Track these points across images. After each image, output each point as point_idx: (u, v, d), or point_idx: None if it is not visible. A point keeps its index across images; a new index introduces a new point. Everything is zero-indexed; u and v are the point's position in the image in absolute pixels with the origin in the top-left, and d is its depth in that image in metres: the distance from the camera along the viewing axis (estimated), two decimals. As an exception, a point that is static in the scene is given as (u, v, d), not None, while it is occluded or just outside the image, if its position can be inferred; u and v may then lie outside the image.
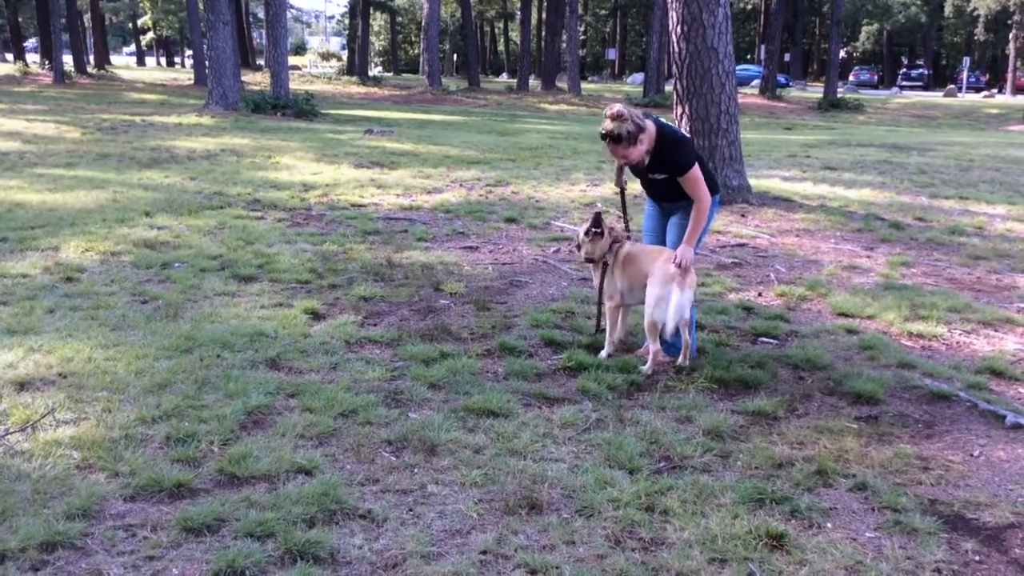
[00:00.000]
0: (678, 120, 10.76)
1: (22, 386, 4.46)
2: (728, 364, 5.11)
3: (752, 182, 11.20)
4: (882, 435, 4.29)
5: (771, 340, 5.72)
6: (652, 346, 5.02)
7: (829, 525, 3.44)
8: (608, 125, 4.85)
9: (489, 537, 3.26)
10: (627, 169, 5.27)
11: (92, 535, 3.17)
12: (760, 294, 6.84)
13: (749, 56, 57.83)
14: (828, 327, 6.01)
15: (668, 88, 36.98)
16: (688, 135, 9.34)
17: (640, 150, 4.93)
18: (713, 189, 5.09)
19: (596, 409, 4.51)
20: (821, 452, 4.05)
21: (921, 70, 65.33)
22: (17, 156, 13.42)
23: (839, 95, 40.80)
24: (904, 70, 66.74)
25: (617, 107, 4.89)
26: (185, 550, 3.10)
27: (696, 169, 4.95)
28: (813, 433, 4.27)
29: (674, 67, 10.60)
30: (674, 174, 4.99)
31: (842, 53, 56.51)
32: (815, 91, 48.56)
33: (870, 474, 3.85)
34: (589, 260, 5.42)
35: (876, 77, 60.78)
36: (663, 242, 5.34)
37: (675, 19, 10.34)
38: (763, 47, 46.75)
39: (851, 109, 38.56)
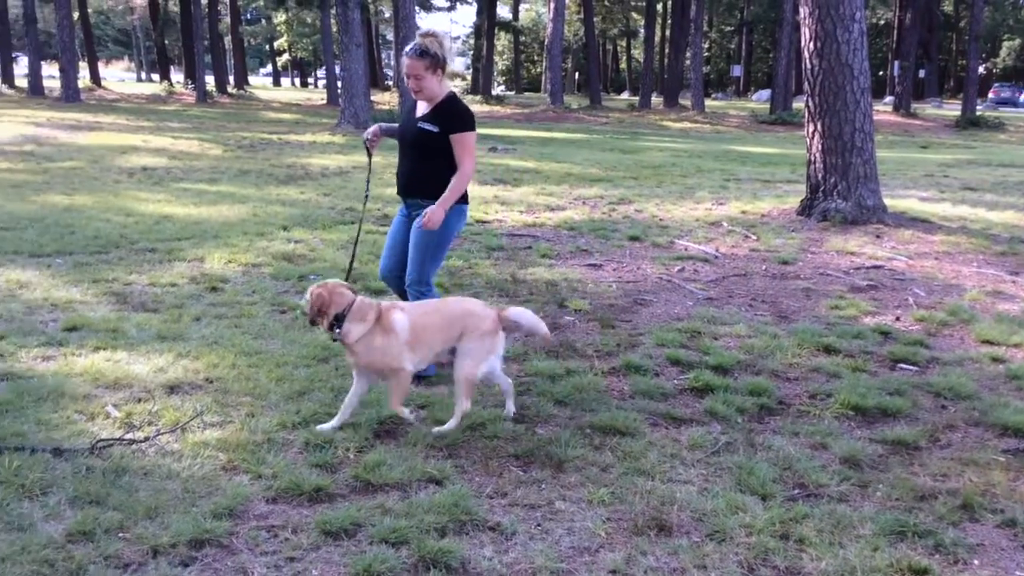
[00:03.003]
0: (809, 138, 10.48)
1: (172, 389, 4.72)
2: (865, 390, 4.94)
3: (887, 202, 10.80)
4: (1033, 470, 4.06)
5: (911, 367, 5.50)
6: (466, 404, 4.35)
7: (976, 562, 3.28)
8: (420, 41, 4.85)
9: (618, 556, 3.24)
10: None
11: (237, 534, 3.31)
12: (898, 318, 6.58)
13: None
14: (972, 355, 5.73)
15: (796, 105, 36.12)
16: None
17: (434, 84, 4.88)
18: (463, 198, 5.05)
19: (725, 432, 4.43)
20: (966, 485, 3.86)
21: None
22: (164, 171, 14.22)
23: (978, 113, 38.87)
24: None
25: (432, 28, 4.95)
26: (324, 553, 3.21)
27: (473, 138, 4.95)
28: (957, 465, 4.08)
29: (806, 84, 10.35)
30: (452, 128, 4.88)
31: (981, 69, 53.83)
32: (951, 109, 46.45)
33: (1019, 510, 3.64)
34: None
35: (1019, 94, 56.95)
36: (404, 257, 5.16)
37: (808, 35, 10.11)
38: (896, 63, 45.06)
39: (991, 127, 36.67)
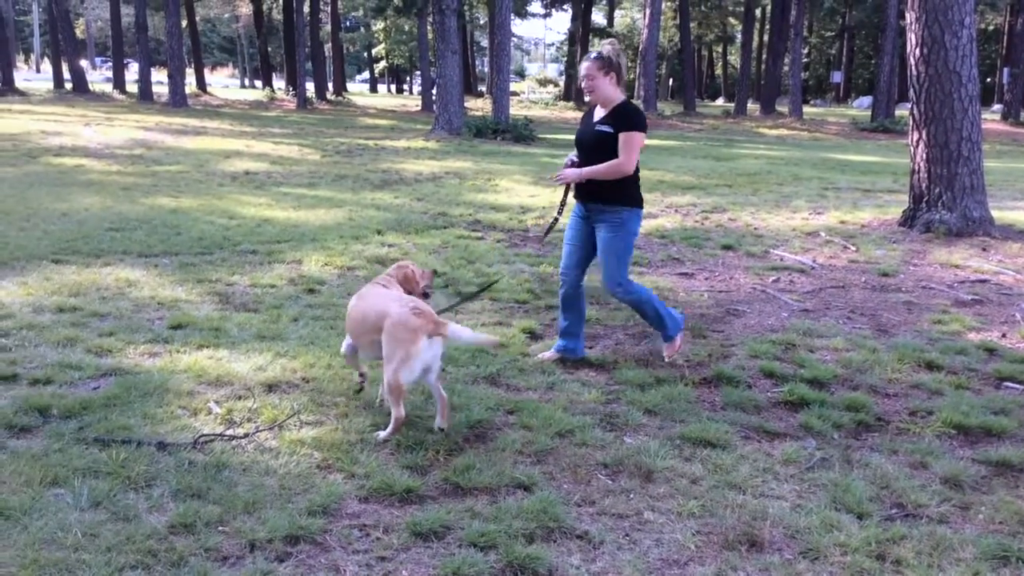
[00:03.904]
0: (913, 146, 10.16)
1: (270, 388, 4.86)
2: (968, 409, 4.76)
3: (995, 214, 10.38)
4: None
5: (1017, 385, 5.27)
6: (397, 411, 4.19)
7: (1087, 594, 3.13)
8: (603, 47, 5.25)
9: (708, 571, 3.20)
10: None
11: (330, 532, 3.39)
12: (1004, 335, 6.32)
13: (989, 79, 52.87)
14: (1086, 375, 5.46)
15: (899, 113, 34.99)
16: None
17: (607, 87, 5.17)
18: (638, 202, 5.31)
19: (820, 447, 4.33)
20: (1078, 512, 3.68)
21: None
22: (265, 176, 14.66)
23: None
24: None
25: (612, 38, 5.25)
26: (414, 553, 3.26)
27: (639, 139, 5.13)
28: (1068, 491, 3.90)
29: (911, 91, 10.03)
30: (622, 127, 5.11)
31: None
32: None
33: None
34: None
35: None
36: (581, 254, 5.47)
37: (914, 41, 9.81)
38: (1006, 70, 43.17)
39: (1111, 135, 34.76)
